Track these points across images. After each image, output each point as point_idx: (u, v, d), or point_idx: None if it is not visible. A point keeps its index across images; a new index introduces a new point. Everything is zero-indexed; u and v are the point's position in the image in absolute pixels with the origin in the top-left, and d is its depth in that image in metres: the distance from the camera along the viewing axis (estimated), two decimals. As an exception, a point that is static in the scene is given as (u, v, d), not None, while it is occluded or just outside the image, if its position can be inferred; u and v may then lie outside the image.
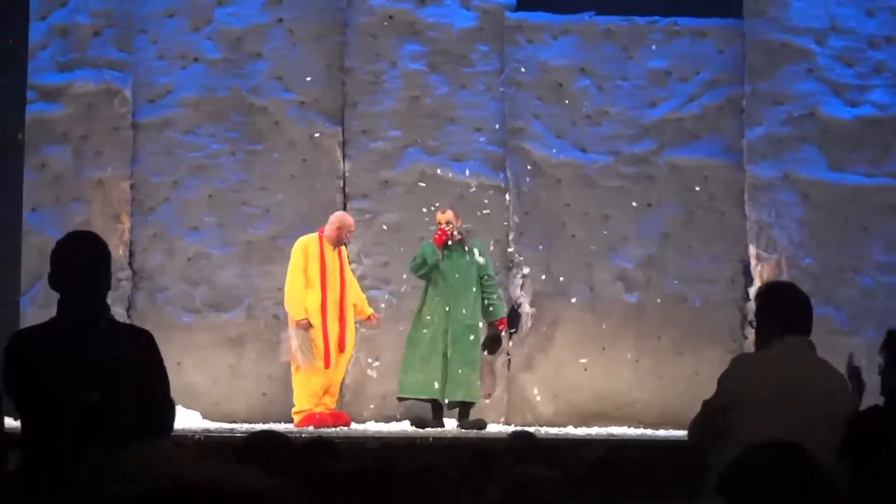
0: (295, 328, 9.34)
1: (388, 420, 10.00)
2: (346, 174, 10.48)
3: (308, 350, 9.22)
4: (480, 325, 9.46)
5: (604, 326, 10.37)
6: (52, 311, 4.20)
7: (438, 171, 10.40)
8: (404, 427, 9.53)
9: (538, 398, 10.32)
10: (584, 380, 10.31)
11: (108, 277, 4.20)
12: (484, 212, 10.37)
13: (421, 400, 9.38)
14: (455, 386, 9.26)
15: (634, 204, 10.43)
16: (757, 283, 9.77)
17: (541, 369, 10.34)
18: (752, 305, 9.34)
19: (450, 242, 9.32)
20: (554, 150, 10.46)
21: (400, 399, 9.53)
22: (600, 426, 10.00)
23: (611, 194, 10.42)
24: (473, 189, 10.42)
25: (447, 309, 9.33)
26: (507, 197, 10.42)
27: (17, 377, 4.01)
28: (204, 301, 10.33)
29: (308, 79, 10.43)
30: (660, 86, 10.42)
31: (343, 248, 9.61)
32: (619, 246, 10.42)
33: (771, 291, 4.85)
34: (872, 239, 10.18)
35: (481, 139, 10.48)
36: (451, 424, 9.41)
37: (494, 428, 9.60)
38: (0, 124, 10.10)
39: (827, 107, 10.28)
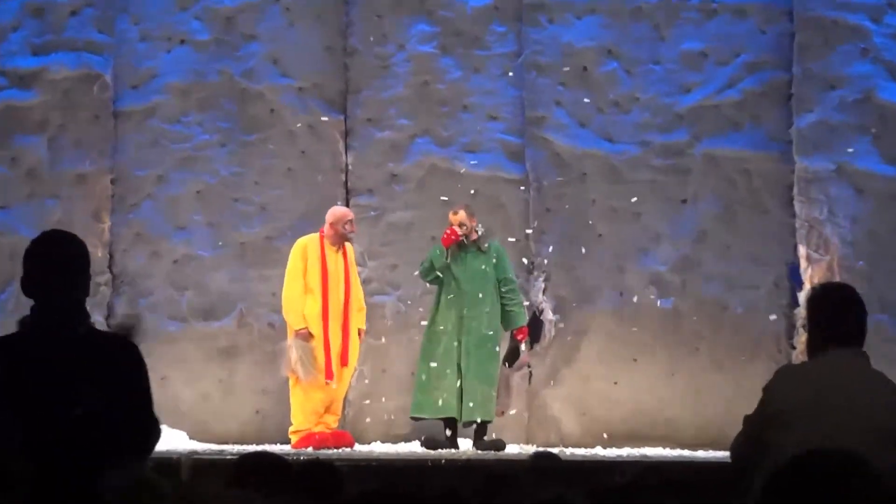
0: (294, 338, 9.37)
1: (395, 440, 10.05)
2: (350, 167, 10.56)
3: (308, 362, 9.26)
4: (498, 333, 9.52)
5: (635, 335, 10.39)
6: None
7: (451, 163, 10.48)
8: (414, 448, 9.60)
9: (563, 416, 10.37)
10: (614, 395, 10.35)
11: (87, 282, 4.20)
12: (501, 209, 10.46)
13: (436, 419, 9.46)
14: (471, 404, 9.28)
15: (668, 200, 10.47)
16: (807, 288, 9.85)
17: (566, 383, 10.38)
18: (801, 312, 9.59)
19: (465, 241, 9.34)
20: (578, 141, 10.52)
21: (414, 419, 9.58)
22: (632, 447, 10.03)
23: (642, 189, 10.45)
24: (489, 184, 10.49)
25: (461, 317, 9.36)
26: (527, 192, 10.50)
27: None
28: (192, 308, 10.42)
29: (307, 62, 10.51)
30: (695, 69, 10.47)
31: (349, 248, 9.64)
32: (651, 246, 10.44)
33: (825, 294, 4.85)
34: (933, 239, 10.27)
35: (498, 129, 10.55)
36: (466, 445, 9.48)
37: (514, 449, 9.66)
38: (-32, 114, 10.21)
39: (884, 91, 10.31)
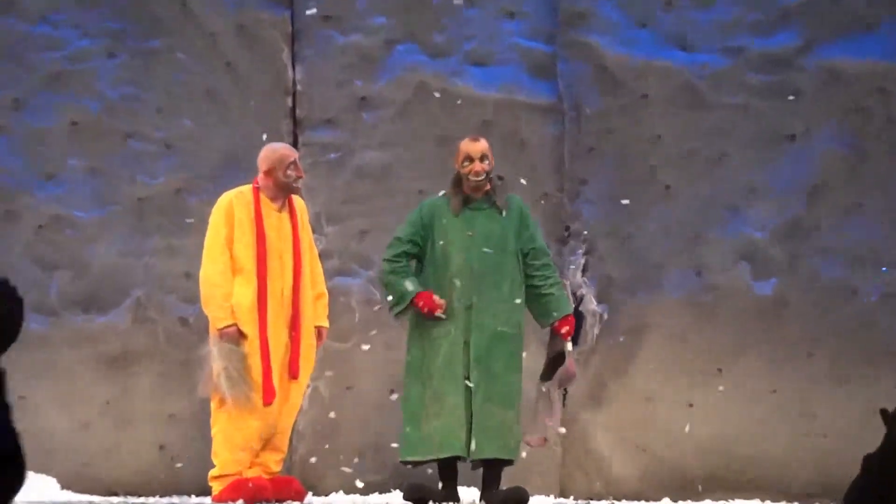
0: (217, 341, 8.64)
1: (366, 491, 9.65)
2: (298, 87, 10.11)
3: (239, 376, 8.56)
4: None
5: (719, 335, 9.79)
6: None
7: (447, 82, 9.96)
8: (393, 502, 9.20)
9: (612, 452, 9.83)
10: (688, 423, 9.76)
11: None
12: (522, 149, 9.90)
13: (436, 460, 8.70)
14: (482, 435, 8.32)
15: (769, 135, 9.85)
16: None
17: (615, 406, 9.85)
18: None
19: (474, 192, 8.42)
20: (636, 48, 9.97)
21: (406, 464, 8.73)
22: (714, 500, 9.53)
23: (729, 119, 9.86)
24: (505, 112, 9.96)
25: (468, 308, 8.38)
26: (561, 124, 9.93)
27: None
28: (65, 295, 10.04)
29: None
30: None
31: (299, 205, 8.95)
32: (742, 204, 9.85)
33: None
34: None
35: (517, 30, 10.02)
36: (470, 495, 8.79)
37: (541, 502, 9.21)
38: None
39: None
